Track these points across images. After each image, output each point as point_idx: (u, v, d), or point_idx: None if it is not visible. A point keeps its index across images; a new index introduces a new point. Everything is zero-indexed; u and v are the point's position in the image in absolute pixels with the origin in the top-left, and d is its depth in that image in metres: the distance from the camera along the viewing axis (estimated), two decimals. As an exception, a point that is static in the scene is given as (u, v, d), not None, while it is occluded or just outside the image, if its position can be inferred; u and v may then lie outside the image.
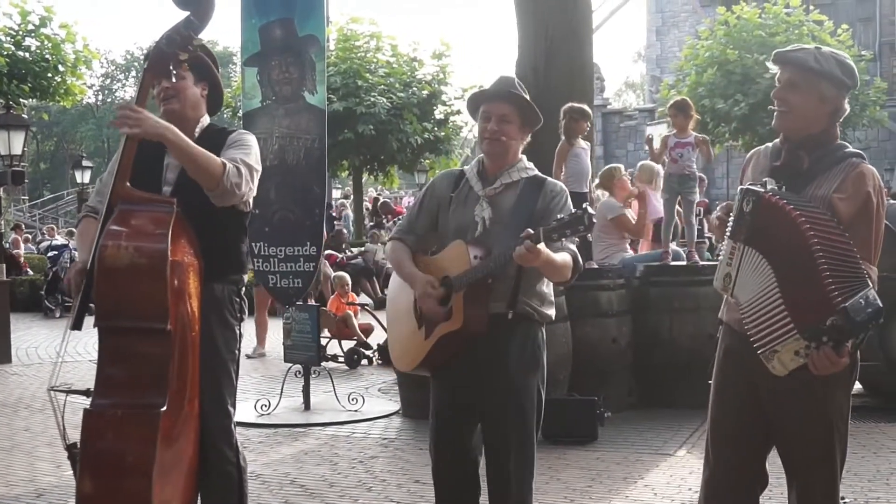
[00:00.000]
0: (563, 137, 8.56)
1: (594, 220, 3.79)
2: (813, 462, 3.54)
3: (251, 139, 4.19)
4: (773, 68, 3.61)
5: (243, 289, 4.31)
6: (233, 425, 4.23)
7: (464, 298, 4.00)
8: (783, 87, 3.54)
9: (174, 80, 4.05)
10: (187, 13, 3.82)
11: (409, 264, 4.27)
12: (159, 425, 3.49)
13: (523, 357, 4.12)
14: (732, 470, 3.66)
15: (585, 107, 8.73)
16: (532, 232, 3.77)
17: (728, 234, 3.45)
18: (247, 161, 4.00)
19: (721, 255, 3.54)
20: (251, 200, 4.19)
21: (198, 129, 4.15)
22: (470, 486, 4.30)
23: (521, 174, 4.20)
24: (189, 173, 3.89)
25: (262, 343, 12.82)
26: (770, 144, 3.73)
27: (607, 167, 9.87)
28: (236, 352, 4.23)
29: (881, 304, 3.17)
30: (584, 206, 3.82)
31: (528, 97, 4.22)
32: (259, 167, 4.13)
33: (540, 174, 4.27)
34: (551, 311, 4.24)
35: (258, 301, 12.59)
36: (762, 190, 3.38)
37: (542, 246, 3.79)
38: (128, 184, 3.77)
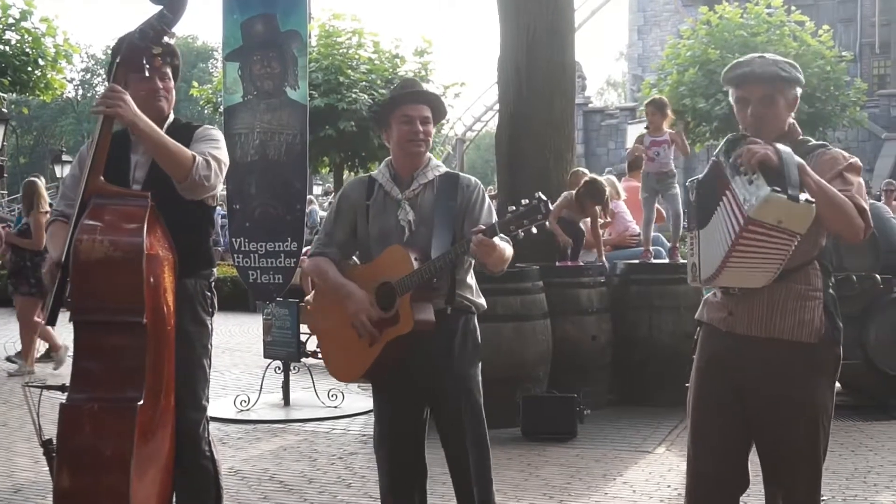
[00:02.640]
0: (572, 194, 8.76)
1: (550, 207, 3.83)
2: (799, 460, 3.55)
3: (218, 133, 4.24)
4: (731, 90, 3.59)
5: (213, 283, 4.31)
6: (206, 420, 4.24)
7: (411, 300, 4.02)
8: (760, 105, 3.53)
9: (166, 80, 4.13)
10: (160, 7, 3.83)
11: (339, 276, 4.27)
12: (137, 419, 3.48)
13: (466, 348, 4.22)
14: (717, 475, 3.65)
15: (606, 188, 8.96)
16: (485, 227, 3.85)
17: (686, 230, 3.53)
18: (215, 155, 4.03)
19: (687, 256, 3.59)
20: (218, 195, 4.20)
21: (164, 126, 4.16)
22: (420, 484, 4.37)
23: (434, 172, 4.28)
24: (160, 164, 3.90)
25: (26, 356, 10.68)
26: None
27: (576, 170, 9.92)
28: (209, 346, 4.26)
29: None
30: (537, 194, 3.84)
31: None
32: (227, 161, 4.15)
33: (451, 170, 4.35)
34: (482, 300, 4.34)
35: (22, 311, 10.99)
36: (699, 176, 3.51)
37: (496, 239, 3.86)
38: (101, 178, 3.76)
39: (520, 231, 3.85)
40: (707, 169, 3.52)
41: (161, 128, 4.05)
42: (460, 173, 4.36)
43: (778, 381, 3.48)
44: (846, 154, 3.54)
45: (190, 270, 4.11)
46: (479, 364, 4.31)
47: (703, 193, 3.49)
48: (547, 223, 3.90)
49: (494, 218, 4.16)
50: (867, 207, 3.41)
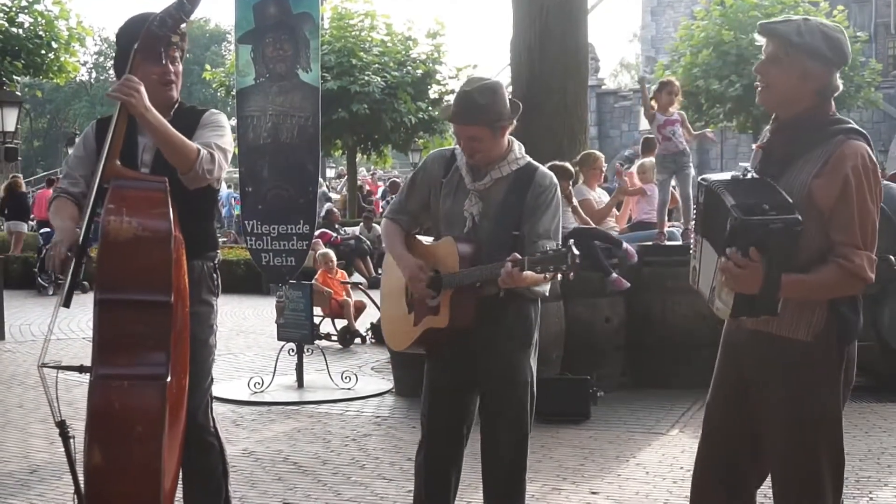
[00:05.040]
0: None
1: (578, 262, 3.63)
2: (787, 471, 3.34)
3: (224, 119, 4.25)
4: (760, 40, 3.35)
5: (218, 264, 4.36)
6: (210, 397, 4.31)
7: (451, 298, 3.99)
8: (765, 61, 3.30)
9: (175, 64, 4.12)
10: None
11: (400, 246, 4.25)
12: (167, 395, 3.51)
13: (514, 336, 4.12)
14: (721, 459, 3.52)
15: (567, 166, 8.80)
16: (519, 258, 3.71)
17: (694, 232, 3.42)
18: (220, 144, 4.06)
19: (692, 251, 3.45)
20: (223, 178, 4.24)
21: (171, 110, 4.17)
22: (455, 463, 4.30)
23: (510, 167, 4.11)
24: (165, 155, 3.92)
25: None
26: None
27: (588, 152, 9.89)
28: (214, 326, 4.32)
29: (791, 206, 3.03)
30: (570, 242, 3.67)
31: (494, 106, 4.00)
32: (231, 147, 4.18)
33: (532, 163, 4.18)
34: (544, 287, 4.15)
35: None
36: (708, 181, 3.30)
37: (527, 273, 3.70)
38: (118, 162, 3.79)
39: (546, 274, 3.70)
40: (722, 189, 3.18)
41: (168, 112, 4.07)
42: (539, 168, 4.17)
43: (771, 379, 3.32)
44: (862, 156, 3.15)
45: (197, 252, 4.15)
46: (529, 353, 4.17)
47: (710, 205, 3.25)
48: (571, 275, 3.69)
49: (555, 224, 4.04)
50: (870, 275, 3.17)
